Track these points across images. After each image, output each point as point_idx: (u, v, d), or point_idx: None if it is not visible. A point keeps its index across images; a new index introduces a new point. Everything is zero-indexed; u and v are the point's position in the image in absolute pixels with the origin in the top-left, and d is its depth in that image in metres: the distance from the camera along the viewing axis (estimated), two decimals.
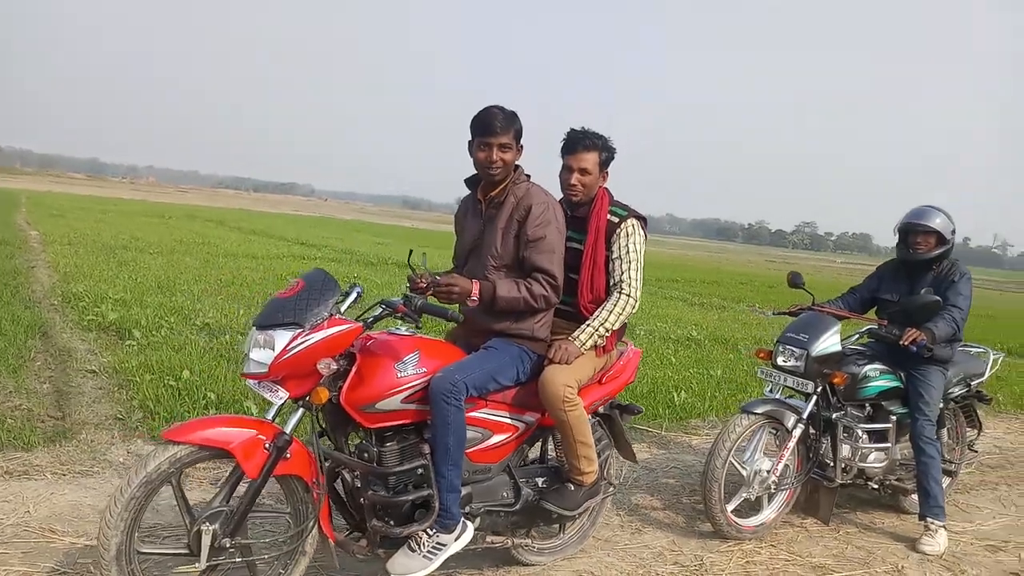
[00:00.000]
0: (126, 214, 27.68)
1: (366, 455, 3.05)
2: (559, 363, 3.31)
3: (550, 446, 3.73)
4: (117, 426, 5.00)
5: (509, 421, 3.34)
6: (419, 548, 3.06)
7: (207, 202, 53.48)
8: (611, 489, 3.79)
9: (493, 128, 3.21)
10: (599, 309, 3.48)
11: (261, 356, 2.80)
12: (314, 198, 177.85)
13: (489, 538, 3.39)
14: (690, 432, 6.40)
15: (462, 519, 3.16)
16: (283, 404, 2.87)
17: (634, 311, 3.53)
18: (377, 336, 3.14)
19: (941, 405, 4.61)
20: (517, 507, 3.42)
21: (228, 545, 2.79)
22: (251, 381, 2.89)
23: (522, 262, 3.27)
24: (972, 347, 5.16)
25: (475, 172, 3.39)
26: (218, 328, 8.12)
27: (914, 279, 4.65)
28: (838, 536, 4.48)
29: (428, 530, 3.06)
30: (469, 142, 3.31)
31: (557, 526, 3.70)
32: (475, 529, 3.25)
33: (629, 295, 3.49)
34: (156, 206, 37.94)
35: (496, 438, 3.32)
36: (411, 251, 3.28)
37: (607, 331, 3.45)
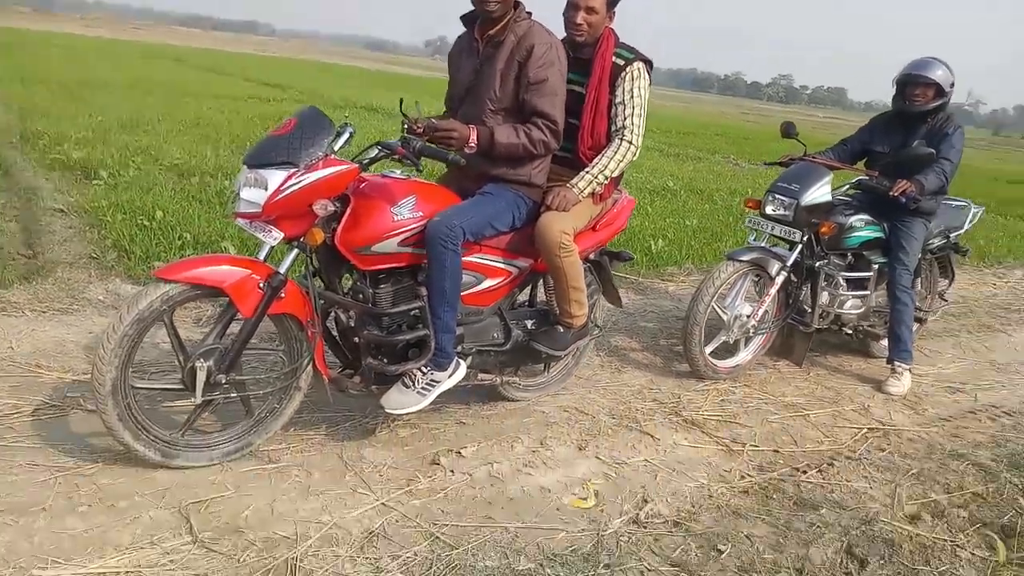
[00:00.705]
0: (80, 51, 26.23)
1: (361, 296, 3.06)
2: (557, 210, 3.29)
3: (539, 290, 3.79)
4: (92, 265, 4.96)
5: (503, 266, 3.35)
6: (413, 384, 3.14)
7: (163, 39, 50.81)
8: (597, 331, 3.88)
9: None
10: (599, 156, 3.41)
11: (254, 195, 2.74)
12: (276, 37, 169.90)
13: (479, 376, 3.49)
14: (666, 279, 6.53)
15: (455, 358, 3.23)
16: (275, 244, 2.84)
17: (635, 159, 3.48)
18: (372, 179, 3.07)
19: (920, 256, 4.72)
20: (507, 347, 3.49)
21: (223, 381, 2.83)
22: (243, 221, 2.84)
23: (521, 105, 3.17)
24: (954, 200, 5.22)
25: (471, 8, 3.23)
26: (187, 170, 7.91)
27: (908, 131, 4.62)
28: (809, 378, 4.69)
29: (423, 368, 3.12)
30: None
31: (543, 365, 3.81)
32: (467, 367, 3.33)
33: (631, 142, 3.42)
34: (112, 43, 35.97)
35: (489, 282, 3.34)
36: (402, 99, 3.16)
37: (606, 179, 3.41)
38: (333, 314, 3.20)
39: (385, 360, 3.14)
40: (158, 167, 7.89)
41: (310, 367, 2.99)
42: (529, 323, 3.62)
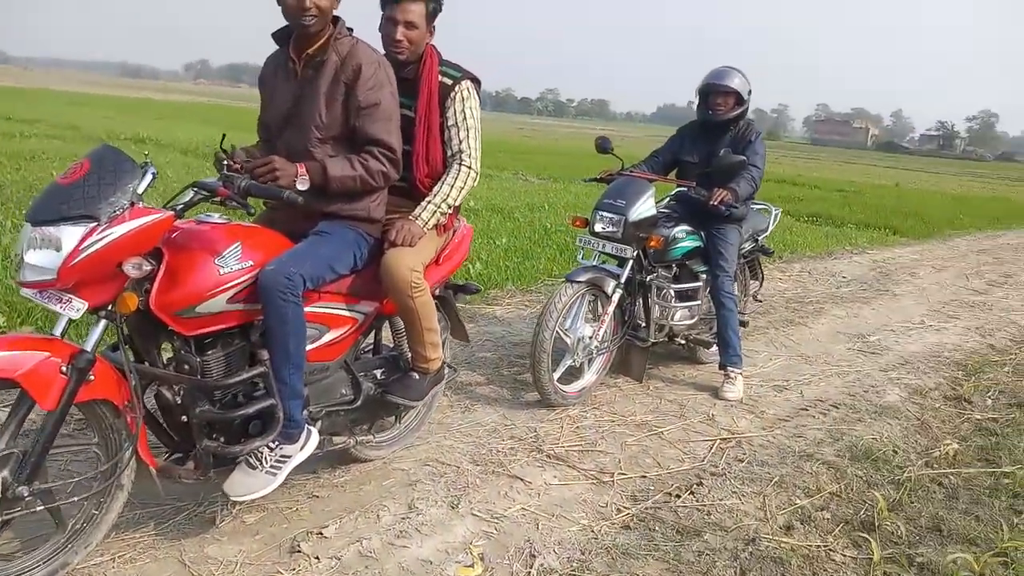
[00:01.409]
0: None
1: (187, 367, 2.58)
2: (402, 245, 2.99)
3: (383, 335, 3.47)
4: None
5: (347, 313, 3.00)
6: (261, 464, 2.71)
7: None
8: (452, 373, 3.62)
9: None
10: (439, 183, 3.17)
11: (44, 259, 2.21)
12: (11, 66, 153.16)
13: (332, 440, 3.10)
14: (492, 303, 6.38)
15: (305, 425, 2.83)
16: (78, 317, 2.31)
17: (475, 184, 3.26)
18: (186, 227, 2.60)
19: (737, 260, 4.89)
20: (359, 404, 3.13)
21: (25, 494, 2.26)
22: (30, 291, 2.29)
23: (352, 133, 2.85)
24: (756, 204, 5.48)
25: (284, 24, 2.86)
26: None
27: (714, 140, 4.77)
28: (650, 392, 4.70)
29: (270, 443, 2.70)
30: None
31: (394, 417, 3.49)
32: (318, 433, 2.94)
33: (471, 167, 3.21)
34: None
35: (333, 333, 2.97)
36: (224, 135, 2.74)
37: (450, 208, 3.17)
38: (155, 391, 2.68)
39: (223, 440, 2.67)
40: None
41: (133, 459, 2.47)
42: (379, 373, 3.29)
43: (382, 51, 3.09)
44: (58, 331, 2.35)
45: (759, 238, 5.36)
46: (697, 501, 3.32)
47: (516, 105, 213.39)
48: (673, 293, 4.69)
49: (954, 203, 21.87)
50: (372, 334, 3.42)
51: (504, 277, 7.07)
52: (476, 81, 3.31)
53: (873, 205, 17.88)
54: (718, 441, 4.00)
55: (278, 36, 2.94)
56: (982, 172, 59.28)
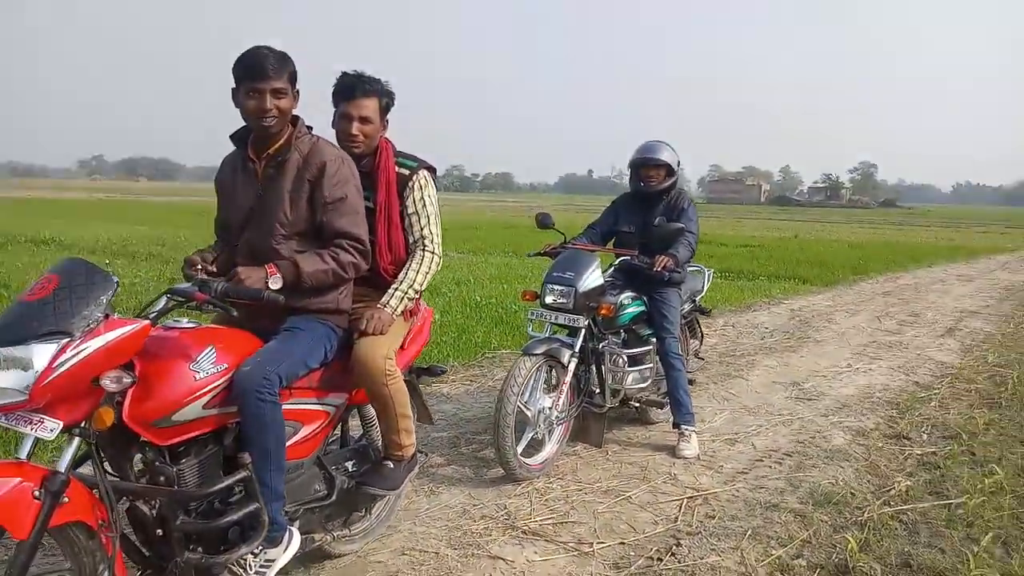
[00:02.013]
0: None
1: (163, 478, 2.47)
2: (373, 334, 2.99)
3: (348, 425, 3.42)
4: None
5: (319, 407, 2.96)
6: (246, 571, 2.61)
7: None
8: (423, 458, 3.57)
9: (264, 71, 2.71)
10: (404, 270, 3.21)
11: (13, 380, 2.12)
12: None
13: (314, 538, 3.01)
14: (437, 382, 6.32)
15: (288, 526, 2.74)
16: (52, 438, 2.20)
17: (439, 268, 3.30)
18: (156, 334, 2.53)
19: (679, 322, 5.04)
20: (333, 498, 3.07)
21: None
22: None
23: (319, 228, 2.86)
24: (691, 266, 5.68)
25: (242, 126, 2.88)
26: None
27: (647, 209, 4.96)
28: (609, 457, 4.73)
29: (254, 550, 2.60)
30: (233, 90, 2.78)
31: (362, 509, 3.41)
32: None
33: (434, 252, 3.27)
34: None
35: (307, 429, 2.92)
36: (213, 244, 2.72)
37: (416, 293, 3.20)
38: (126, 505, 2.56)
39: (204, 550, 2.56)
40: None
41: None
42: (350, 465, 3.25)
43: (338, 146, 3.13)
44: (24, 453, 2.24)
45: (696, 299, 5.55)
46: (679, 562, 3.34)
47: None
48: (625, 358, 4.78)
49: (851, 250, 23.10)
50: (339, 426, 3.36)
51: (444, 354, 7.04)
52: (432, 170, 3.38)
53: (778, 257, 18.71)
54: (685, 500, 4.05)
55: (236, 138, 2.94)
56: (869, 218, 63.11)
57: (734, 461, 4.68)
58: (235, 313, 2.49)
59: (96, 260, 13.51)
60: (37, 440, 2.23)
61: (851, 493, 4.14)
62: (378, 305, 3.09)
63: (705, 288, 5.68)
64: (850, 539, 3.48)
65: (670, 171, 4.87)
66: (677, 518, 3.82)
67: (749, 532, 3.64)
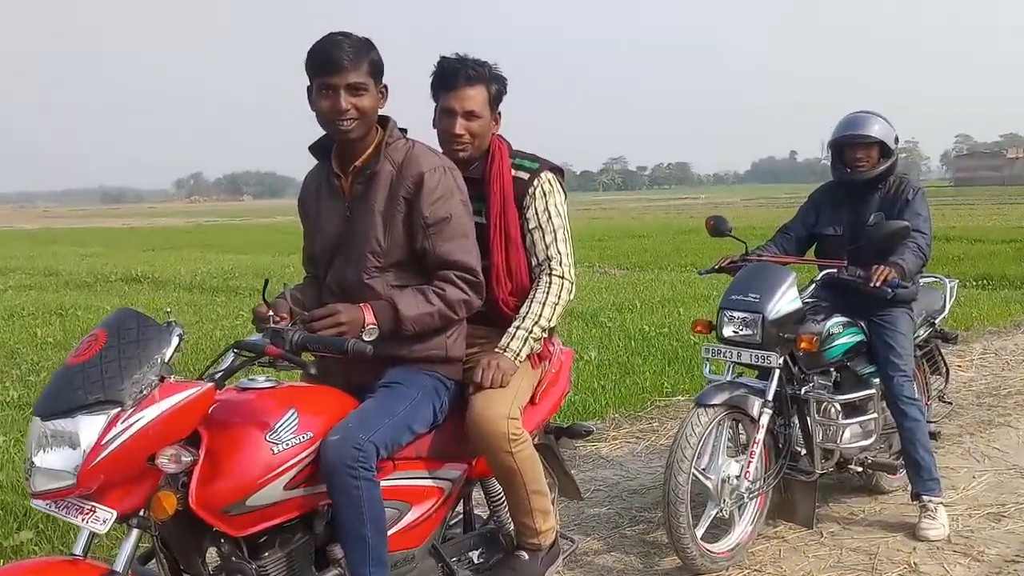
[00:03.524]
0: None
1: None
2: (491, 387, 2.96)
3: (472, 503, 3.42)
4: None
5: (430, 483, 2.98)
6: None
7: None
8: (570, 547, 3.51)
9: (337, 62, 2.76)
10: (527, 302, 3.18)
11: (59, 461, 2.22)
12: None
13: None
14: (594, 440, 6.25)
15: None
16: (105, 530, 2.30)
17: (571, 297, 3.25)
18: (226, 398, 2.61)
19: (912, 354, 4.72)
20: None
21: None
22: (43, 503, 2.30)
23: (420, 256, 2.88)
24: (924, 277, 5.33)
25: (323, 134, 2.94)
26: None
27: (859, 204, 4.69)
28: (823, 541, 4.49)
29: None
30: (308, 88, 2.85)
31: None
32: None
33: (563, 276, 3.23)
34: None
35: (417, 510, 2.94)
36: (266, 281, 2.80)
37: (544, 331, 3.17)
38: None
39: None
40: None
41: None
42: (476, 555, 3.28)
43: (440, 150, 3.15)
44: (79, 548, 2.36)
45: (935, 321, 5.19)
46: None
47: (576, 181, 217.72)
48: (838, 407, 4.51)
49: None
50: (461, 504, 3.37)
51: (603, 403, 6.98)
52: (558, 171, 3.35)
53: None
54: None
55: (316, 148, 3.01)
56: None
57: (1000, 544, 4.33)
58: (313, 371, 2.51)
59: (193, 298, 14.53)
60: (92, 534, 2.34)
61: None
62: (496, 350, 3.06)
63: (948, 306, 5.31)
64: None
65: (885, 151, 4.58)
66: None
67: None
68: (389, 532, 2.80)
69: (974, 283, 14.07)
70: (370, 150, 2.91)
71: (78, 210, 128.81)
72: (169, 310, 2.73)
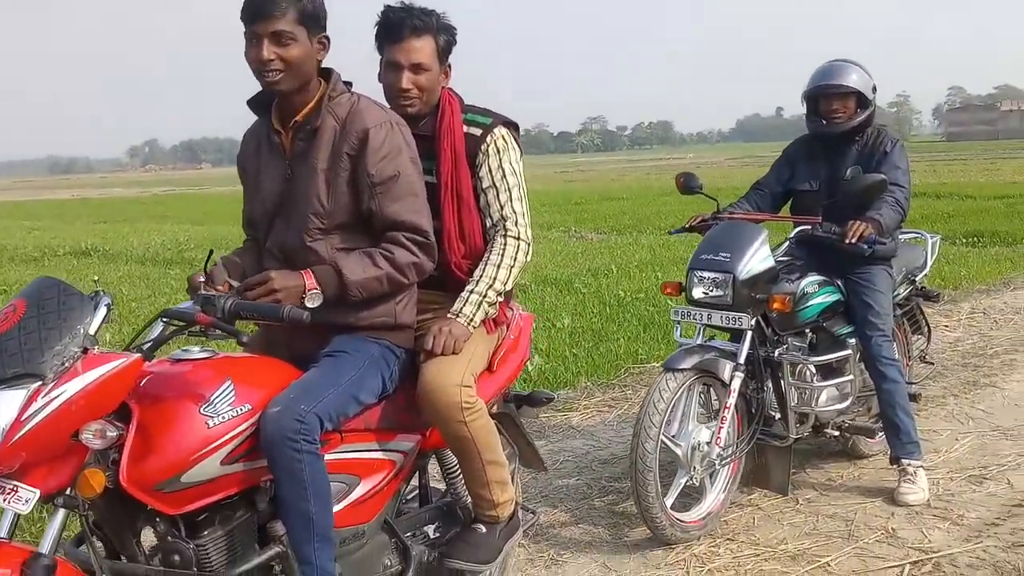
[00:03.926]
0: None
1: (178, 557, 2.52)
2: (444, 355, 2.95)
3: (428, 476, 3.43)
4: None
5: (381, 455, 2.97)
6: None
7: None
8: (532, 518, 3.53)
9: (261, 8, 2.70)
10: (481, 264, 3.16)
11: None
12: None
13: None
14: (563, 408, 6.29)
15: None
16: (28, 511, 2.28)
17: (528, 259, 3.23)
18: (158, 370, 2.59)
19: (892, 313, 4.75)
20: (410, 575, 3.06)
21: None
22: None
23: (367, 217, 2.85)
24: (903, 233, 5.35)
25: (260, 89, 2.89)
26: None
27: (835, 157, 4.71)
28: (799, 508, 4.55)
29: None
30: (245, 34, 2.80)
31: None
32: None
33: (518, 236, 3.21)
34: None
35: (367, 484, 2.92)
36: (211, 251, 2.80)
37: (499, 294, 3.15)
38: None
39: None
40: None
41: None
42: (432, 530, 3.28)
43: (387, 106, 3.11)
44: (3, 531, 2.34)
45: (916, 279, 5.23)
46: None
47: (553, 143, 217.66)
48: (813, 369, 4.55)
49: None
50: (416, 478, 3.37)
51: (574, 371, 7.02)
52: (512, 126, 3.32)
53: None
54: (908, 566, 3.85)
55: (255, 103, 2.97)
56: None
57: (981, 508, 4.41)
58: (245, 339, 2.49)
59: (145, 271, 14.45)
60: (17, 515, 2.32)
61: None
62: (448, 315, 3.05)
63: (930, 263, 5.34)
64: None
65: (862, 101, 4.59)
66: None
67: None
68: (337, 507, 2.79)
69: (964, 240, 14.21)
70: (311, 104, 2.86)
71: (24, 181, 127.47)
72: (96, 279, 2.67)
